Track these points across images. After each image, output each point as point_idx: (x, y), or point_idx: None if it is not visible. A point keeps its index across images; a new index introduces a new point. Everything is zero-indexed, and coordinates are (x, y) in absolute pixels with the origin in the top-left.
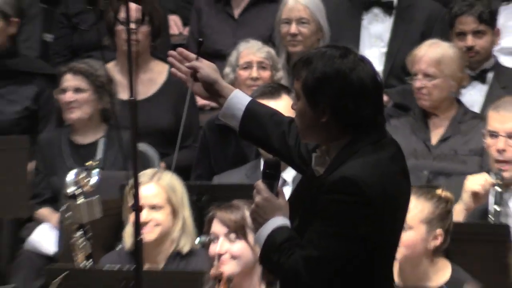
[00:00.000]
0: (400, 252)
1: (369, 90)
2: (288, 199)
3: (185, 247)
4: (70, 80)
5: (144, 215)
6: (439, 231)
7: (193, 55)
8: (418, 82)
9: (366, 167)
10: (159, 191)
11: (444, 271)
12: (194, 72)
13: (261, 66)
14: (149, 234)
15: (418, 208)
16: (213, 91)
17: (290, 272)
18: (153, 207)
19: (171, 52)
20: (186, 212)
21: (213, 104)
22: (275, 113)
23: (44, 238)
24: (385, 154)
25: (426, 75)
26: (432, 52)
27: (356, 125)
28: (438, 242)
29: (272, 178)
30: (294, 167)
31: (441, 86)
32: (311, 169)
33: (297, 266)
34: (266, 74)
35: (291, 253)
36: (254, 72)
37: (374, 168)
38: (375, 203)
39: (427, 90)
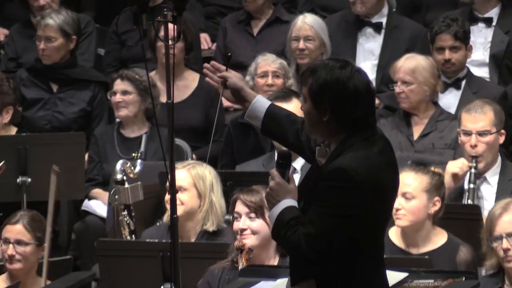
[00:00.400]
0: (407, 219)
1: (362, 95)
2: (298, 185)
3: (211, 227)
4: (119, 84)
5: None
6: (436, 198)
7: (223, 67)
8: (398, 88)
9: (357, 159)
10: (186, 177)
11: (441, 235)
12: (224, 81)
13: (275, 75)
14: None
15: (418, 181)
16: (239, 96)
17: (294, 245)
18: (179, 189)
19: (206, 64)
20: (214, 197)
21: (236, 106)
22: (290, 114)
23: (99, 205)
24: (374, 148)
25: (404, 82)
26: (408, 63)
27: (351, 124)
28: (437, 208)
29: (284, 166)
30: (305, 158)
31: (416, 91)
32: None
33: (298, 240)
34: (279, 81)
35: (295, 229)
36: (270, 80)
37: (363, 160)
38: (363, 189)
39: (405, 94)
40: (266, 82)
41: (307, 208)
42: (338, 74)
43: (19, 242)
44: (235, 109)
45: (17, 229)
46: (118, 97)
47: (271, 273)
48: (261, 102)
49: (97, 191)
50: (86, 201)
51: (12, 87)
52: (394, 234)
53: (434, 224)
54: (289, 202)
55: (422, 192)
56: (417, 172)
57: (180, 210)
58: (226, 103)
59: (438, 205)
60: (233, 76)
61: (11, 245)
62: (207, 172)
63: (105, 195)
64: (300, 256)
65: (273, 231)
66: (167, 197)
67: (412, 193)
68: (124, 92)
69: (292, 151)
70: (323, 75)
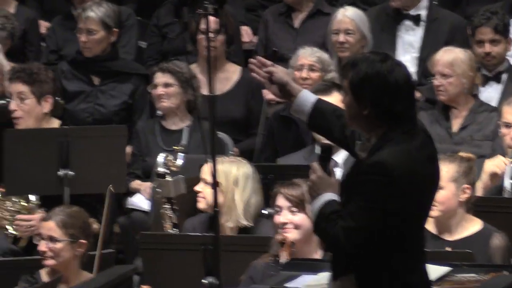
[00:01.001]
0: (437, 210)
1: (402, 89)
2: (341, 178)
3: (229, 223)
4: (160, 77)
5: (199, 187)
6: (466, 185)
7: (269, 62)
8: (436, 81)
9: (396, 153)
10: (208, 170)
11: (475, 222)
12: (270, 76)
13: (311, 68)
14: (198, 203)
15: (444, 170)
16: (285, 91)
17: (333, 239)
18: (205, 182)
19: (252, 60)
20: (237, 194)
21: (277, 99)
22: (336, 109)
23: (142, 201)
24: (414, 142)
25: (442, 75)
26: (446, 56)
27: (391, 117)
28: (467, 195)
29: (325, 160)
30: (350, 152)
31: (454, 84)
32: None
33: (338, 234)
34: (314, 75)
35: (335, 223)
36: (304, 73)
37: (402, 154)
38: (401, 183)
39: (444, 87)
40: (301, 75)
41: (348, 202)
42: (378, 68)
43: (51, 239)
44: (277, 102)
45: (49, 226)
46: (160, 90)
47: (313, 267)
48: (307, 97)
49: (137, 182)
50: (130, 198)
51: (50, 76)
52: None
53: (468, 212)
54: (330, 195)
55: (449, 181)
56: (444, 161)
57: (202, 203)
58: (267, 96)
59: (468, 192)
60: (279, 71)
61: (43, 241)
62: (234, 168)
63: (145, 186)
64: (338, 249)
65: (314, 225)
66: (197, 187)
67: (439, 184)
68: (166, 85)
69: (337, 145)
70: (363, 69)
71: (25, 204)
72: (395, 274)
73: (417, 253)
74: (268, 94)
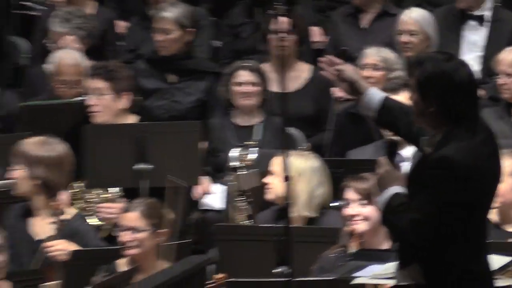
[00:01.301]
0: (497, 201)
1: (466, 88)
2: (409, 173)
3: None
4: (246, 76)
5: (268, 179)
6: None
7: (338, 60)
8: (501, 80)
9: (460, 149)
10: (276, 163)
11: None
12: (339, 74)
13: (375, 67)
14: (267, 194)
15: (505, 164)
16: (354, 88)
17: (400, 231)
18: (274, 175)
19: (322, 58)
20: (300, 187)
21: (346, 96)
22: (403, 106)
23: (214, 200)
24: (477, 138)
25: (506, 74)
26: (510, 56)
27: (455, 115)
28: None
29: (392, 155)
30: (417, 147)
31: None
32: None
33: (404, 226)
34: (377, 73)
35: (402, 215)
36: (367, 72)
37: (467, 150)
38: (465, 178)
39: (507, 86)
40: (363, 73)
41: (414, 195)
42: (443, 67)
43: (134, 229)
44: (345, 100)
45: (132, 216)
46: (245, 88)
47: (381, 257)
48: (375, 94)
49: (205, 180)
50: (203, 200)
51: (127, 74)
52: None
53: None
54: (396, 189)
55: (508, 176)
56: (505, 156)
57: (271, 195)
58: (336, 94)
59: None
60: (348, 69)
61: (126, 232)
62: (301, 162)
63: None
64: (406, 241)
65: (381, 217)
66: (266, 178)
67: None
68: (253, 84)
69: (405, 140)
70: (429, 68)
71: (107, 195)
72: (458, 263)
73: (480, 243)
74: (336, 92)
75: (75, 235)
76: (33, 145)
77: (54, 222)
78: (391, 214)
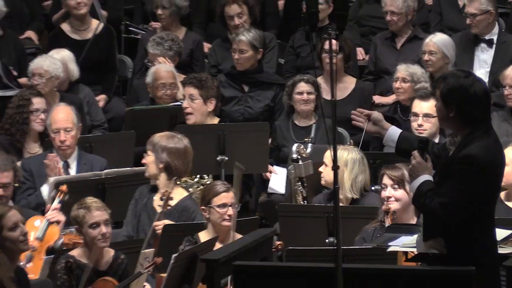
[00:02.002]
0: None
1: (481, 99)
2: (437, 166)
3: (340, 196)
4: (305, 87)
5: (321, 168)
6: None
7: (366, 112)
8: (506, 91)
9: (481, 148)
10: (327, 155)
11: None
12: (368, 116)
13: (403, 80)
14: (321, 181)
15: (509, 153)
16: (378, 126)
17: (431, 211)
18: (326, 165)
19: (353, 112)
20: (345, 174)
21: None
22: (416, 136)
23: (278, 185)
24: (491, 139)
25: (511, 86)
26: None
27: (472, 120)
28: None
29: (423, 149)
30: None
31: None
32: (446, 150)
33: (435, 208)
34: (406, 85)
35: (432, 199)
36: (397, 84)
37: (486, 149)
38: (485, 171)
39: None
40: (395, 85)
41: (440, 184)
42: (462, 82)
43: (234, 206)
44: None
45: (231, 195)
46: (305, 96)
47: (410, 230)
48: (395, 130)
49: (272, 168)
50: (270, 185)
51: (215, 84)
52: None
53: None
54: (427, 177)
55: (510, 161)
56: (508, 147)
57: (323, 181)
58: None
59: None
60: (375, 113)
61: (230, 208)
62: (345, 154)
63: (278, 170)
64: (435, 220)
65: (413, 199)
66: (320, 168)
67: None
68: (308, 93)
69: None
70: (451, 82)
71: (205, 181)
72: (475, 238)
73: (490, 221)
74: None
75: (184, 211)
76: (162, 137)
77: (163, 202)
78: (422, 198)
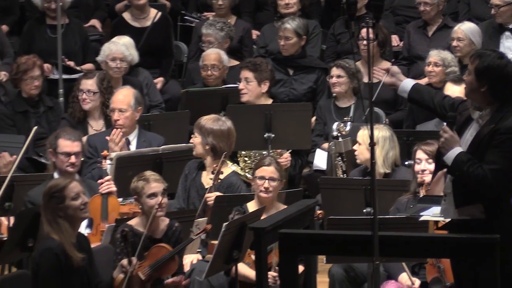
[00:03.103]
0: None
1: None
2: (472, 138)
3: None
4: (334, 71)
5: (356, 146)
6: None
7: (386, 67)
8: None
9: None
10: (363, 134)
11: None
12: (387, 71)
13: (435, 64)
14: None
15: None
16: (395, 78)
17: (479, 177)
18: (360, 143)
19: (375, 68)
20: (377, 151)
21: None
22: (430, 89)
23: (321, 161)
24: None
25: None
26: None
27: (502, 97)
28: None
29: (451, 124)
30: (438, 116)
31: None
32: (455, 117)
33: (484, 174)
34: (438, 69)
35: (478, 166)
36: (430, 68)
37: None
38: None
39: None
40: (427, 69)
41: (480, 154)
42: (498, 62)
43: (272, 179)
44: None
45: (270, 170)
46: (334, 80)
47: (439, 201)
48: (409, 82)
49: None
50: (314, 162)
51: (268, 67)
52: None
53: None
54: (459, 149)
55: None
56: None
57: (358, 158)
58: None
59: None
60: (394, 67)
61: (267, 181)
62: (377, 132)
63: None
64: (484, 185)
65: (451, 169)
66: (354, 146)
67: None
68: (338, 76)
69: (431, 112)
70: (488, 60)
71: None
72: (503, 203)
73: None
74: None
75: (230, 187)
76: (208, 121)
77: (214, 176)
78: (464, 166)
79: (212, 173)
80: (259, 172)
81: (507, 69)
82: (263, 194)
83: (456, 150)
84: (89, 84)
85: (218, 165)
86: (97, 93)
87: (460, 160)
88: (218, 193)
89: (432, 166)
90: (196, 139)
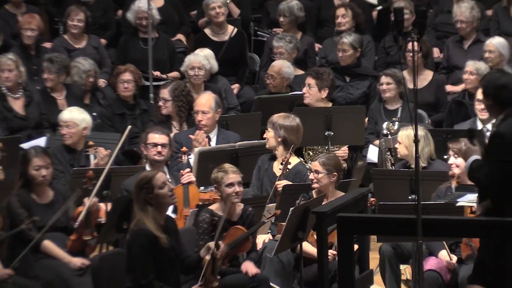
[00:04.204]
0: None
1: (507, 86)
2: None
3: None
4: (383, 79)
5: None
6: None
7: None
8: None
9: (507, 125)
10: (401, 135)
11: None
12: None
13: (471, 73)
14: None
15: None
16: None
17: (480, 182)
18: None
19: None
20: (413, 148)
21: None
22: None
23: (373, 156)
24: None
25: None
26: None
27: (503, 104)
28: None
29: (471, 137)
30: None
31: None
32: None
33: (481, 178)
34: (473, 77)
35: (480, 172)
36: (466, 76)
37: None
38: (510, 144)
39: None
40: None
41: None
42: (494, 76)
43: (317, 172)
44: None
45: (316, 164)
46: (384, 86)
47: (474, 189)
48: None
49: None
50: (367, 157)
51: (330, 77)
52: None
53: None
54: (475, 157)
55: None
56: None
57: (400, 153)
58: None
59: None
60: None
61: (312, 174)
62: (412, 132)
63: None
64: (483, 187)
65: (467, 176)
66: (396, 145)
67: None
68: (387, 83)
69: None
70: (487, 77)
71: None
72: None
73: None
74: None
75: (298, 174)
76: (280, 117)
77: (283, 166)
78: (473, 172)
79: (281, 164)
80: (313, 167)
81: (503, 79)
82: (314, 185)
83: (471, 159)
84: (164, 93)
85: (287, 156)
86: (169, 100)
87: (471, 167)
88: (286, 181)
89: (458, 160)
90: (269, 133)
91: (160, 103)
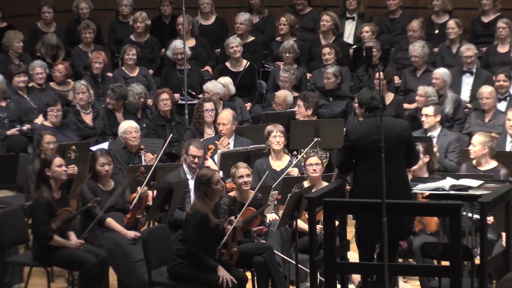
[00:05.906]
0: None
1: (364, 98)
2: None
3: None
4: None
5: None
6: (487, 146)
7: None
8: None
9: (354, 125)
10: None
11: (494, 162)
12: None
13: (421, 95)
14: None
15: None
16: None
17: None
18: None
19: None
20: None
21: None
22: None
23: None
24: (370, 120)
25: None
26: None
27: (365, 111)
28: (487, 150)
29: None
30: None
31: None
32: None
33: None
34: (422, 99)
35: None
36: (417, 97)
37: (356, 125)
38: (348, 139)
39: None
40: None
41: None
42: (361, 92)
43: (317, 164)
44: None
45: (314, 159)
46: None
47: (424, 181)
48: None
49: None
50: None
51: (314, 99)
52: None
53: (491, 158)
54: None
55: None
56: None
57: None
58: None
59: (487, 149)
60: None
61: (314, 165)
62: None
63: None
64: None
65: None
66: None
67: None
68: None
69: None
70: (358, 95)
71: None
72: (358, 176)
73: (365, 168)
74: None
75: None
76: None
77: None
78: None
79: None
80: (308, 162)
81: (364, 93)
82: (312, 174)
83: None
84: (208, 105)
85: (301, 151)
86: (214, 110)
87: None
88: (296, 169)
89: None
90: (281, 139)
91: (206, 114)
